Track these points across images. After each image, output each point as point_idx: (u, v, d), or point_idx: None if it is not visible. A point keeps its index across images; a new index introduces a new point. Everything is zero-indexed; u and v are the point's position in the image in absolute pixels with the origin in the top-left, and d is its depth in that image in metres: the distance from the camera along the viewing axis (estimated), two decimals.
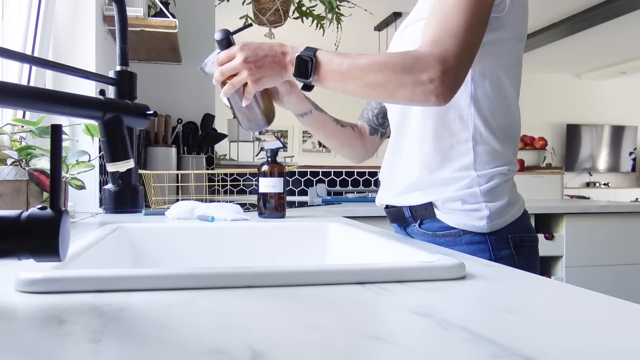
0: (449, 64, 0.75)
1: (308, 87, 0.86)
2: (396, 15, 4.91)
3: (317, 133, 1.17)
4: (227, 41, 0.88)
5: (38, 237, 0.44)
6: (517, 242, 0.93)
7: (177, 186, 1.94)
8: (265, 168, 1.41)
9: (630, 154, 7.64)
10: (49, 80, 1.60)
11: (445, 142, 0.94)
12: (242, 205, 1.70)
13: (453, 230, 0.93)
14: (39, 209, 0.45)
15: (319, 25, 2.99)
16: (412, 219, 0.99)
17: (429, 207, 0.95)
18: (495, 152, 0.94)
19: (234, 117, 1.02)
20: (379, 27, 5.31)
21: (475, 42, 0.79)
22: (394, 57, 0.79)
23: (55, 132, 0.46)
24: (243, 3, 2.82)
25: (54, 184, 0.46)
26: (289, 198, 2.61)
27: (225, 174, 2.59)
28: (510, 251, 0.92)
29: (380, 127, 1.19)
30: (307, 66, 0.81)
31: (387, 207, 1.06)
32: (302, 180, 2.83)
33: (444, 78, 0.75)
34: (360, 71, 0.79)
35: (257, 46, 0.84)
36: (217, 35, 0.89)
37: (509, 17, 0.88)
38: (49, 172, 1.05)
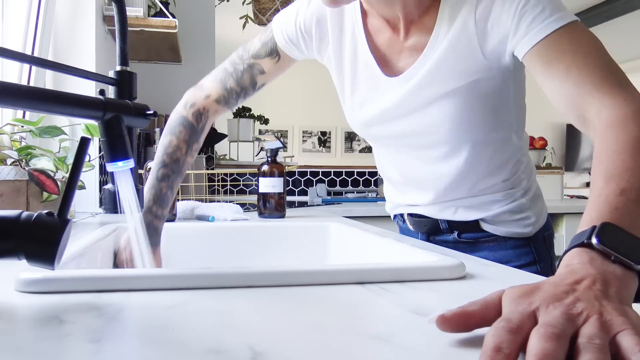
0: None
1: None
2: None
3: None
4: None
5: (39, 241, 0.44)
6: (548, 239, 1.01)
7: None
8: (265, 168, 1.41)
9: None
10: (49, 80, 1.60)
11: (503, 171, 0.94)
12: (242, 205, 1.70)
13: (498, 237, 0.97)
14: (47, 214, 0.46)
15: None
16: (447, 230, 1.01)
17: (474, 222, 0.97)
18: (529, 161, 1.00)
19: None
20: None
21: None
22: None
23: (83, 145, 0.47)
24: (243, 3, 2.82)
25: (67, 194, 0.46)
26: (289, 198, 2.61)
27: (225, 174, 2.59)
28: (546, 248, 1.00)
29: (231, 100, 0.99)
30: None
31: (411, 215, 1.05)
32: (302, 180, 2.83)
33: None
34: None
35: (535, 285, 0.39)
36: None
37: None
38: (49, 172, 1.05)
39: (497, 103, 0.86)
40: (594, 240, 0.42)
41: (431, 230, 1.03)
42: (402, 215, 1.10)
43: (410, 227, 1.07)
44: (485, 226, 0.97)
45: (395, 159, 1.00)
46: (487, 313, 0.37)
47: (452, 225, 0.99)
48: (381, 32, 0.85)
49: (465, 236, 0.99)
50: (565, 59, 0.67)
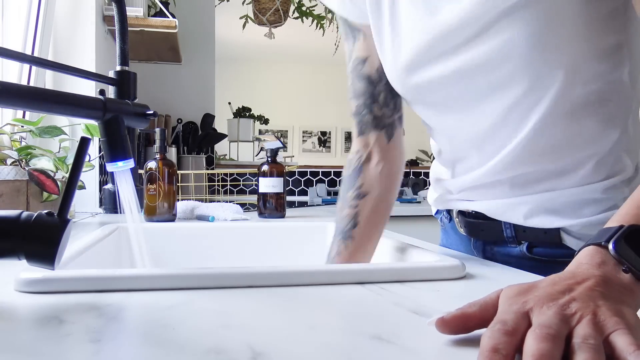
0: None
1: None
2: None
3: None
4: None
5: (39, 241, 0.44)
6: None
7: (177, 186, 1.94)
8: (265, 168, 1.41)
9: None
10: (49, 80, 1.60)
11: (601, 133, 0.65)
12: (242, 205, 1.70)
13: None
14: (47, 214, 0.46)
15: (319, 25, 2.99)
16: (513, 240, 0.73)
17: (554, 232, 0.68)
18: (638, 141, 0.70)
19: None
20: None
21: None
22: None
23: (83, 145, 0.47)
24: (243, 3, 2.82)
25: (67, 194, 0.46)
26: (289, 198, 2.61)
27: (225, 174, 2.59)
28: None
29: (395, 114, 0.78)
30: None
31: (464, 214, 0.79)
32: (302, 180, 2.83)
33: None
34: None
35: (533, 283, 0.39)
36: None
37: None
38: (49, 172, 1.05)
39: (601, 15, 0.59)
40: (610, 245, 0.41)
41: (489, 238, 0.76)
42: (449, 212, 0.83)
43: (461, 230, 0.81)
44: (568, 240, 0.68)
45: (449, 126, 0.73)
46: (486, 314, 0.37)
47: (521, 233, 0.71)
48: None
49: (539, 251, 0.71)
50: None
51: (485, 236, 0.77)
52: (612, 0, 0.59)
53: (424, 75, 0.68)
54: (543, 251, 0.71)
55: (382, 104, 0.77)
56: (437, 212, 0.89)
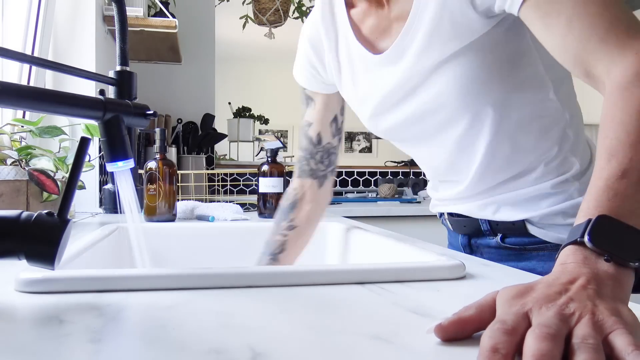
0: None
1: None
2: None
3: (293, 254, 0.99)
4: None
5: (39, 241, 0.44)
6: None
7: (177, 186, 1.94)
8: (265, 168, 1.41)
9: None
10: (49, 80, 1.60)
11: (543, 144, 0.78)
12: (242, 205, 1.70)
13: (549, 245, 0.81)
14: (47, 214, 0.46)
15: None
16: (490, 233, 0.87)
17: (519, 223, 0.82)
18: (586, 141, 0.83)
19: None
20: None
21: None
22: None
23: (83, 145, 0.47)
24: (243, 3, 2.83)
25: (67, 194, 0.46)
26: None
27: (225, 174, 2.59)
28: None
29: (328, 169, 0.98)
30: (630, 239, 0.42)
31: (451, 214, 0.93)
32: None
33: None
34: None
35: (529, 285, 0.39)
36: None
37: None
38: (49, 172, 1.05)
39: (511, 57, 0.72)
40: (586, 239, 0.41)
41: (472, 232, 0.90)
42: (442, 214, 0.98)
43: (450, 228, 0.96)
44: (533, 230, 0.81)
45: (421, 156, 0.89)
46: (483, 317, 0.37)
47: (494, 226, 0.85)
48: (367, 17, 0.79)
49: (510, 241, 0.85)
50: (565, 10, 0.58)
51: (467, 231, 0.91)
52: (519, 43, 0.72)
53: (386, 121, 0.84)
54: (514, 240, 0.84)
55: (317, 161, 0.96)
56: (440, 216, 1.00)
